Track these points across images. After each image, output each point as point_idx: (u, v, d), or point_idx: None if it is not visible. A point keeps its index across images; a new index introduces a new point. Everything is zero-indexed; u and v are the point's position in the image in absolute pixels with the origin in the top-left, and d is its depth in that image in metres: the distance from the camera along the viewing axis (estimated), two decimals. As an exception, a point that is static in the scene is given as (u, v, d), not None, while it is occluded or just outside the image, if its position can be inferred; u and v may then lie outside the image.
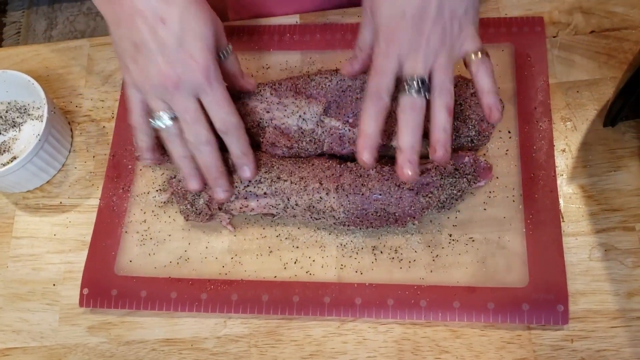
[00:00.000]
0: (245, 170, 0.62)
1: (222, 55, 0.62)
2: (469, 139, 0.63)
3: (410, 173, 0.55)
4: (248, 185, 0.63)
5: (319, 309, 0.61)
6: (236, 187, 0.63)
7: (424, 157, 0.64)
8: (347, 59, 0.63)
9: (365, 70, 0.62)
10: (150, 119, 0.59)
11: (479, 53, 0.56)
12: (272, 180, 0.62)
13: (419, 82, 0.54)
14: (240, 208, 0.63)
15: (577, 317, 0.58)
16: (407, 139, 0.55)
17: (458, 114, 0.63)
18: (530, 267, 0.60)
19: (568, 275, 0.59)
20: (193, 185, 0.62)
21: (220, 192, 0.62)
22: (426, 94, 0.54)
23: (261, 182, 0.63)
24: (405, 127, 0.55)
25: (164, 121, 0.58)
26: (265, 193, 0.62)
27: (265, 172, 0.63)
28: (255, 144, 0.66)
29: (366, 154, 0.56)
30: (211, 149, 0.60)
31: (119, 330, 0.63)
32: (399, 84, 0.55)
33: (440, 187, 0.60)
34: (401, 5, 0.54)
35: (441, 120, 0.55)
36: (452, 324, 0.60)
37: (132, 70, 0.58)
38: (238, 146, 0.61)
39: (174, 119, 0.58)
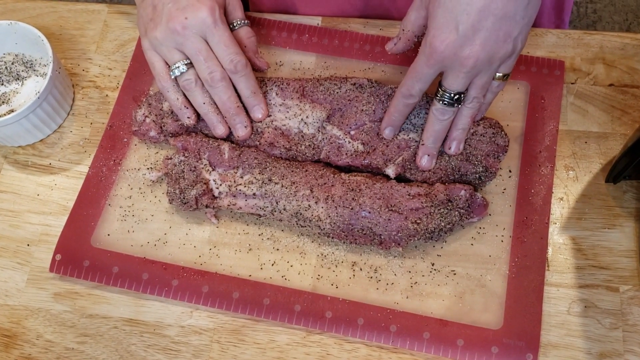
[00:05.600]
0: (257, 110, 0.64)
1: (234, 25, 0.67)
2: (477, 175, 0.62)
3: (425, 163, 0.62)
4: (240, 184, 0.62)
5: (288, 315, 0.60)
6: (227, 184, 0.62)
7: (417, 181, 0.63)
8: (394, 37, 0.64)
9: (406, 50, 0.63)
10: (170, 72, 0.63)
11: (503, 77, 0.59)
12: (263, 182, 0.61)
13: (454, 97, 0.57)
14: (228, 206, 0.62)
15: (545, 370, 0.57)
16: (430, 138, 0.61)
17: (462, 153, 0.63)
18: (506, 311, 0.59)
19: (543, 325, 0.58)
20: (220, 130, 0.64)
21: (240, 129, 0.64)
22: (459, 105, 0.58)
23: (252, 183, 0.62)
24: (431, 127, 0.60)
25: (180, 69, 0.62)
26: (254, 194, 0.61)
27: (259, 173, 0.62)
28: (253, 144, 0.65)
29: (388, 131, 0.63)
30: (226, 84, 0.63)
31: (85, 301, 0.62)
32: (436, 87, 0.58)
33: (430, 214, 0.59)
34: (457, 16, 0.53)
35: (462, 123, 0.60)
36: (418, 354, 0.59)
37: (149, 29, 0.62)
38: (248, 86, 0.63)
39: (189, 64, 0.62)
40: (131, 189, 0.66)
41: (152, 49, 0.63)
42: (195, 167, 0.63)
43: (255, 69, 0.67)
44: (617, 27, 1.77)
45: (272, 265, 0.62)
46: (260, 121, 0.65)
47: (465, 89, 0.57)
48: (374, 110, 0.64)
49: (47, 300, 0.63)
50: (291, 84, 0.66)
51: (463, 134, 0.61)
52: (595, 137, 0.67)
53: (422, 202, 0.60)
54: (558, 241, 0.62)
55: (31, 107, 0.65)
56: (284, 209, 0.61)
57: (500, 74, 0.58)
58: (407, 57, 0.71)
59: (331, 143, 0.63)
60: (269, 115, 0.65)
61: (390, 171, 0.62)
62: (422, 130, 0.62)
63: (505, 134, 0.63)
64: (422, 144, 0.61)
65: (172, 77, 0.63)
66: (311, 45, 0.73)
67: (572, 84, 0.70)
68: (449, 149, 0.62)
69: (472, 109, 0.59)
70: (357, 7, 0.77)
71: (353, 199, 0.60)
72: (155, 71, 0.64)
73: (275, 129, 0.64)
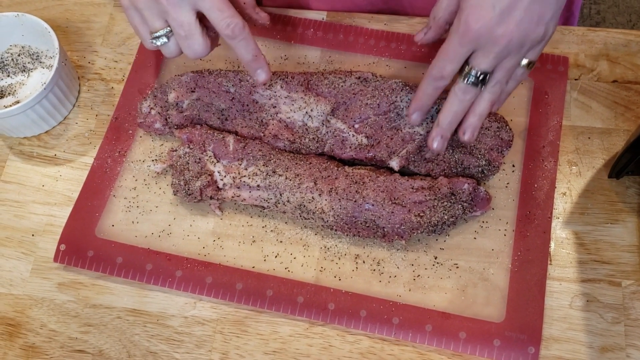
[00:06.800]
0: (261, 74, 0.60)
1: None
2: (480, 169, 0.62)
3: (437, 145, 0.59)
4: (244, 176, 0.62)
5: (291, 307, 0.60)
6: (232, 176, 0.63)
7: (421, 174, 0.64)
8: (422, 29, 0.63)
9: (436, 39, 0.63)
10: (151, 40, 0.58)
11: (528, 65, 0.57)
12: (267, 174, 0.62)
13: (479, 76, 0.56)
14: (232, 197, 0.63)
15: (547, 363, 0.58)
16: (447, 118, 0.58)
17: (466, 147, 0.63)
18: (508, 304, 0.59)
19: (545, 319, 0.59)
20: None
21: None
22: (483, 87, 0.56)
23: (256, 175, 0.62)
24: (450, 107, 0.58)
25: (161, 40, 0.57)
26: (258, 186, 0.62)
27: (263, 165, 0.62)
28: (257, 136, 0.65)
29: (416, 116, 0.61)
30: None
31: (88, 292, 0.63)
32: (462, 66, 0.56)
33: (433, 208, 0.59)
34: None
35: (480, 108, 0.58)
36: (420, 346, 0.59)
37: None
38: (248, 50, 0.58)
39: (172, 34, 0.57)
40: (136, 180, 0.66)
41: (132, 8, 0.57)
42: (199, 158, 0.63)
43: (256, 24, 0.65)
44: (621, 27, 1.77)
45: (276, 257, 0.62)
46: (265, 84, 0.61)
47: (491, 71, 0.56)
48: (378, 104, 0.64)
49: (51, 290, 0.63)
50: (296, 77, 0.66)
51: (479, 122, 0.59)
52: (598, 133, 0.67)
53: (425, 195, 0.60)
54: (561, 236, 0.62)
55: (37, 99, 0.66)
56: (288, 201, 0.61)
57: (527, 61, 0.57)
58: (412, 52, 0.71)
59: (335, 136, 0.64)
60: (274, 107, 0.65)
61: (394, 164, 0.62)
62: (427, 123, 0.62)
63: (510, 129, 0.64)
64: (437, 125, 0.59)
65: (154, 46, 0.58)
66: (316, 39, 0.73)
67: (575, 80, 0.70)
68: (463, 134, 0.59)
69: (493, 94, 0.57)
70: (368, 1, 0.77)
71: (357, 191, 0.60)
72: (137, 32, 0.58)
73: (280, 122, 0.64)
